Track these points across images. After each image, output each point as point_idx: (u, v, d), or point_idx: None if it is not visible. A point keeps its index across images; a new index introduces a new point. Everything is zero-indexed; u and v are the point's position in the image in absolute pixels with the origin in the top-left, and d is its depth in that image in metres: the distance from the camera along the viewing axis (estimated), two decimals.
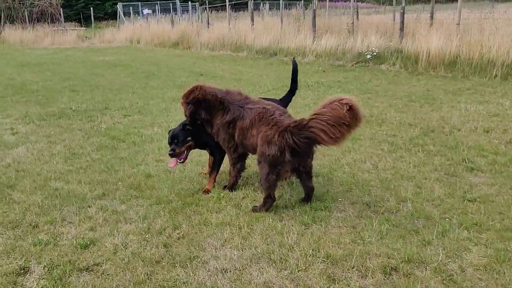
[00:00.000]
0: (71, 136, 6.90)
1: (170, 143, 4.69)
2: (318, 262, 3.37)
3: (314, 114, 3.92)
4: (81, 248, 3.66)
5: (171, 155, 4.65)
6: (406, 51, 12.73)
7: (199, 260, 3.46)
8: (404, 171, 5.10)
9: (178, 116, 7.93)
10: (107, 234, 3.87)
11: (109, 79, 13.04)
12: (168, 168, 5.16)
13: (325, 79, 11.55)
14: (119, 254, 3.56)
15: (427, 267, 3.27)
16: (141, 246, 3.67)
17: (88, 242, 3.73)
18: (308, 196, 4.44)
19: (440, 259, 3.36)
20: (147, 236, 3.82)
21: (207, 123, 4.62)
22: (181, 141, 4.64)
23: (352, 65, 13.55)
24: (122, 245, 3.69)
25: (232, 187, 4.75)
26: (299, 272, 3.28)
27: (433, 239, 3.64)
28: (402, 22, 14.02)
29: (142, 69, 14.98)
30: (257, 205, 4.31)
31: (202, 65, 15.84)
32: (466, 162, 5.29)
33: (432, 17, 14.55)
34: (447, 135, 6.40)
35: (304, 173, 4.33)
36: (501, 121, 6.97)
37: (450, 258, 3.39)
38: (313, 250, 3.53)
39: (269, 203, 4.24)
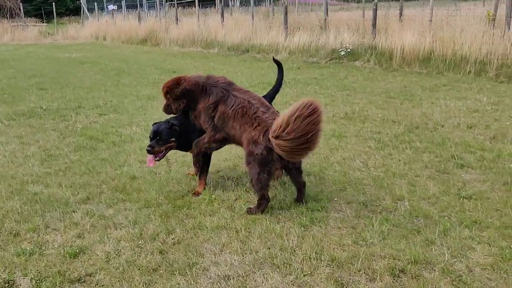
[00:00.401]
0: (45, 137, 6.55)
1: (151, 138, 4.38)
2: (323, 266, 3.25)
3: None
4: (70, 257, 3.42)
5: (149, 152, 4.35)
6: (379, 47, 12.80)
7: (198, 267, 3.29)
8: (395, 169, 5.05)
9: (155, 114, 7.68)
10: (97, 241, 3.64)
11: (78, 76, 12.59)
12: (147, 166, 4.91)
13: (301, 76, 11.47)
14: (112, 263, 3.34)
15: (435, 268, 3.20)
16: (135, 253, 3.46)
17: (77, 251, 3.49)
18: (300, 192, 4.31)
19: (446, 259, 3.29)
20: (140, 242, 3.61)
21: (192, 112, 4.42)
22: (163, 140, 4.35)
23: (326, 62, 13.53)
24: (115, 252, 3.47)
25: (197, 157, 4.60)
26: (305, 277, 3.15)
27: (435, 238, 3.58)
28: (375, 19, 14.10)
29: (112, 66, 14.54)
30: (252, 207, 4.16)
31: (173, 62, 15.52)
32: (455, 158, 5.29)
33: (401, 14, 14.73)
34: (431, 131, 6.41)
35: (294, 169, 4.21)
36: (481, 117, 7.04)
37: (456, 258, 3.33)
38: (316, 253, 3.41)
39: (264, 204, 4.10)
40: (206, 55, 17.13)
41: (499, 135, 6.13)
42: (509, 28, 11.07)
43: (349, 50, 13.34)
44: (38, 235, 3.76)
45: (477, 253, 3.38)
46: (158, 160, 4.45)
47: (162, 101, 4.57)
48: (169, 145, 4.38)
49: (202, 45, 19.23)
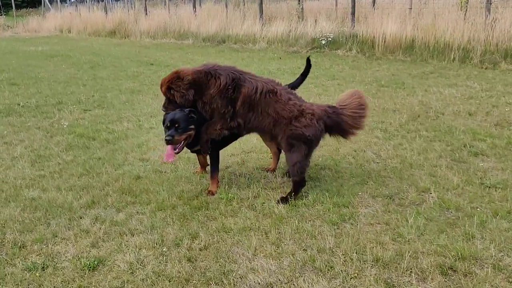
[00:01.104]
0: (29, 136, 6.08)
1: (168, 127, 3.94)
2: (368, 267, 3.04)
3: (341, 104, 4.11)
4: (89, 270, 3.08)
5: (168, 142, 3.90)
6: (361, 36, 12.69)
7: (234, 274, 3.01)
8: (410, 159, 4.89)
9: (145, 109, 7.31)
10: (115, 250, 3.31)
11: (50, 70, 11.95)
12: (166, 162, 4.46)
13: (285, 66, 11.24)
14: (138, 274, 3.03)
15: (484, 264, 3.04)
16: (160, 263, 3.15)
17: (96, 262, 3.15)
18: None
19: (493, 253, 3.13)
20: (164, 249, 3.30)
21: (200, 101, 4.09)
22: (182, 128, 3.92)
23: (307, 51, 13.33)
24: (138, 262, 3.15)
25: (206, 144, 4.15)
26: (352, 280, 2.93)
27: (475, 231, 3.42)
28: (353, 7, 13.98)
29: (84, 60, 13.90)
30: (284, 196, 4.04)
31: (148, 54, 15.00)
32: (467, 147, 5.17)
33: (374, 1, 14.70)
34: (434, 119, 6.30)
35: None
36: (479, 104, 6.99)
37: (502, 251, 3.18)
38: (356, 253, 3.20)
39: (301, 188, 4.09)
40: (181, 47, 16.65)
41: (503, 121, 6.07)
42: (489, 14, 11.12)
43: (330, 39, 13.18)
44: (47, 246, 3.39)
45: None
46: (178, 153, 4.05)
47: (161, 98, 4.22)
48: (188, 133, 3.98)
49: (175, 36, 18.71)
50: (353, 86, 8.61)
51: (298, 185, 4.03)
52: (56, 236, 3.53)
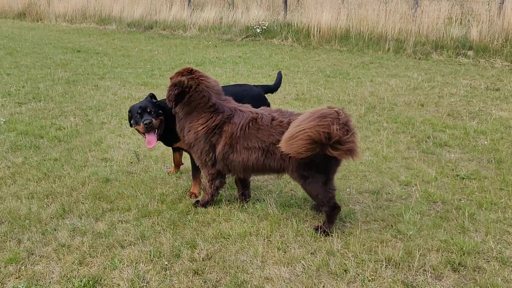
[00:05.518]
0: None
1: (140, 114, 3.75)
2: (382, 268, 2.99)
3: None
4: None
5: (148, 126, 3.68)
6: (295, 25, 12.71)
7: (249, 285, 2.82)
8: (381, 152, 4.94)
9: (89, 101, 6.74)
10: (108, 267, 2.97)
11: None
12: (149, 148, 4.10)
13: (224, 54, 10.97)
14: None
15: (488, 258, 3.11)
16: (165, 278, 2.88)
17: (91, 282, 2.81)
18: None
19: (492, 246, 3.22)
20: (165, 263, 3.02)
21: (179, 119, 3.71)
22: (154, 112, 3.78)
23: (242, 39, 13.13)
24: (140, 279, 2.85)
25: (206, 204, 3.77)
26: (370, 282, 2.87)
27: (468, 225, 3.50)
28: None
29: None
30: (321, 225, 3.45)
31: (71, 39, 13.95)
32: (431, 138, 5.33)
33: None
34: (390, 110, 6.44)
35: None
36: (426, 95, 7.27)
37: (499, 244, 3.28)
38: (366, 253, 3.14)
39: (337, 214, 3.45)
40: (105, 32, 15.67)
41: (453, 112, 6.35)
42: (417, 6, 11.63)
43: (264, 27, 13.07)
44: (25, 267, 2.97)
45: None
46: (158, 140, 3.87)
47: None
48: (160, 117, 3.82)
49: (96, 20, 17.60)
50: (300, 77, 8.60)
51: (331, 214, 3.40)
52: (33, 254, 3.11)
